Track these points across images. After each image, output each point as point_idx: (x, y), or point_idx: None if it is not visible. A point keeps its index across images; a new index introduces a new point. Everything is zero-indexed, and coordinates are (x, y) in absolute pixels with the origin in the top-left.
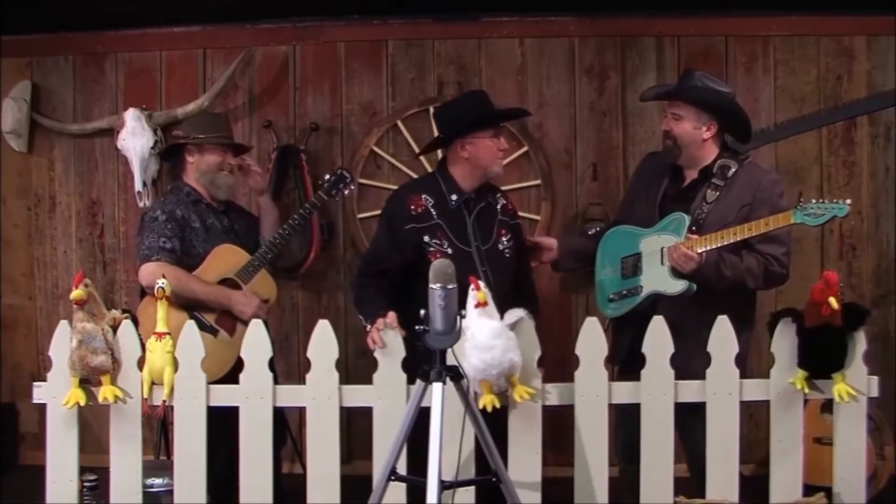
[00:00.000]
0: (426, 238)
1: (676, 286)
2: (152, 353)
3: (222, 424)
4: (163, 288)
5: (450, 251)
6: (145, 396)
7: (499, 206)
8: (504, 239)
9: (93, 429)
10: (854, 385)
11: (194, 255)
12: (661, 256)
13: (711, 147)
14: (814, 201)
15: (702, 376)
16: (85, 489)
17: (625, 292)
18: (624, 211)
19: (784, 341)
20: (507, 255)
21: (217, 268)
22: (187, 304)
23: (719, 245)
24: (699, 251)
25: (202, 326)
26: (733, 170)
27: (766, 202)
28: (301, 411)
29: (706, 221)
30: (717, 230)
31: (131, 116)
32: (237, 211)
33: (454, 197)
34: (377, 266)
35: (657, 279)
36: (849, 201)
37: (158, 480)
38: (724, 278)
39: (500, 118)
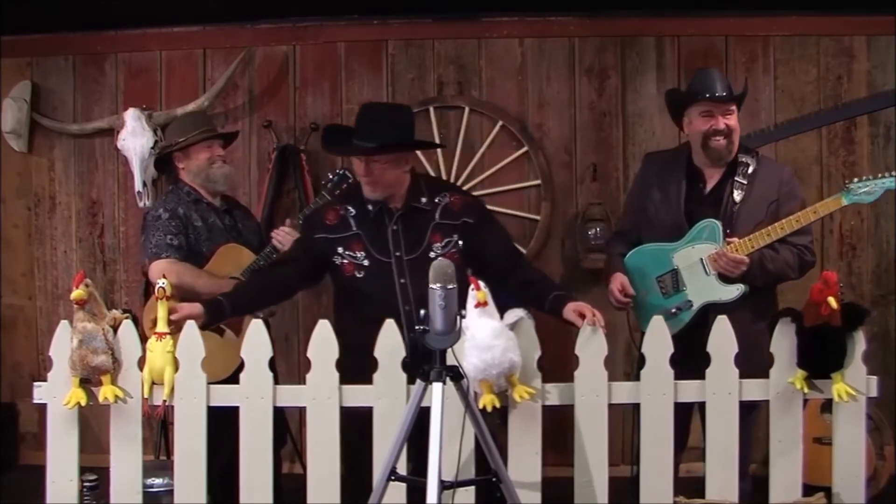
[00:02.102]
0: (340, 249)
1: (732, 292)
2: (152, 352)
3: (222, 424)
4: (163, 288)
5: (366, 263)
6: (145, 396)
7: (439, 208)
8: (437, 246)
9: (93, 429)
10: (853, 385)
11: (197, 254)
12: (703, 267)
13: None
14: (856, 180)
15: (758, 374)
16: (85, 489)
17: (674, 310)
18: (632, 218)
19: (784, 341)
20: None
21: (222, 266)
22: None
23: (767, 243)
24: (747, 253)
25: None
26: (753, 167)
27: (792, 195)
28: (301, 411)
29: (736, 222)
30: (748, 229)
31: (131, 116)
32: (241, 210)
33: (370, 206)
34: (281, 257)
35: (707, 290)
36: (895, 173)
37: (158, 480)
38: (769, 274)
39: (338, 141)
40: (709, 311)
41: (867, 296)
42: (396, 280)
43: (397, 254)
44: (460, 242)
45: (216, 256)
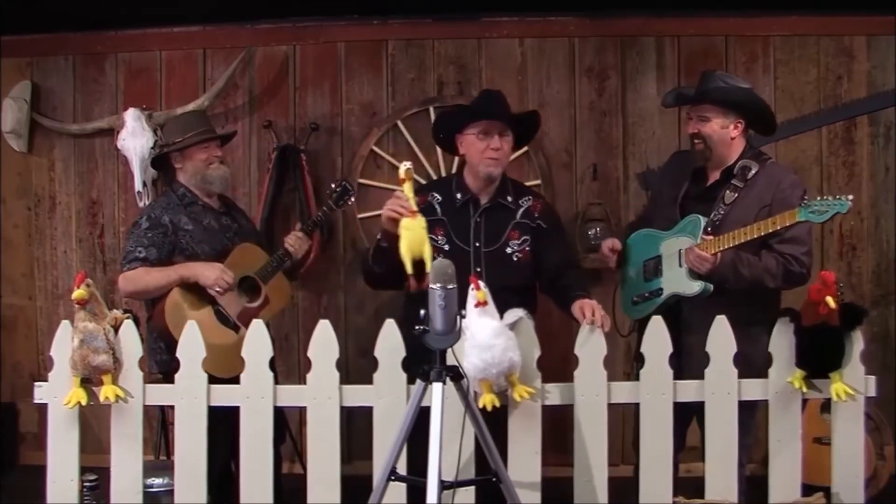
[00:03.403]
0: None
1: (693, 287)
2: (410, 230)
3: (220, 423)
4: (409, 169)
5: (447, 248)
6: (410, 272)
7: (521, 209)
8: (514, 242)
9: (93, 429)
10: (852, 384)
11: (190, 256)
12: (678, 258)
13: (738, 145)
14: (818, 198)
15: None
16: (85, 489)
17: (647, 294)
18: (648, 210)
19: (782, 341)
20: (516, 259)
21: (239, 264)
22: (210, 299)
23: (731, 245)
24: (713, 252)
25: (225, 322)
26: (754, 171)
27: (785, 203)
28: (301, 411)
29: (724, 223)
30: (735, 229)
31: (131, 116)
32: (238, 211)
33: (459, 195)
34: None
35: (676, 281)
36: (850, 197)
37: (158, 480)
38: (742, 277)
39: (479, 113)
40: (682, 304)
41: (867, 296)
42: (473, 269)
43: (476, 244)
44: (532, 243)
45: (233, 255)
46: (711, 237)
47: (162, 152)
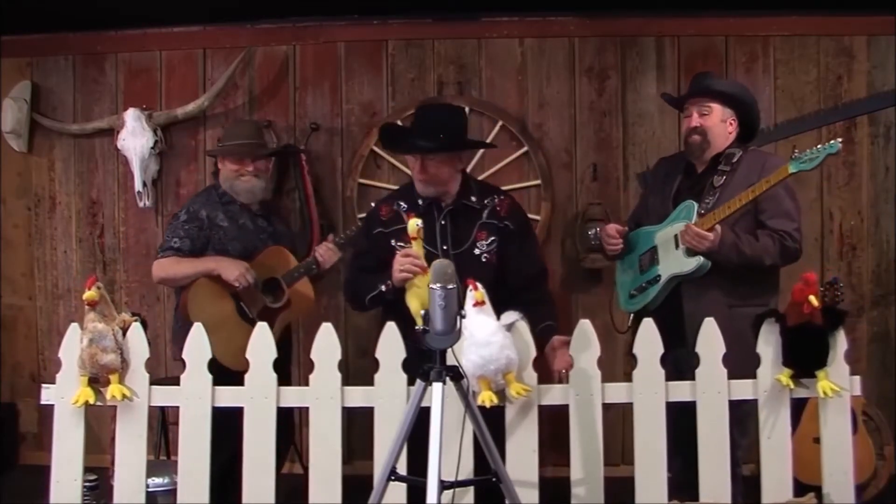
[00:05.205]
0: (393, 241)
1: (690, 264)
2: (420, 287)
3: (222, 423)
4: (420, 227)
5: None
6: (420, 327)
7: (487, 209)
8: (483, 243)
9: (93, 429)
10: (837, 382)
11: (221, 252)
12: (675, 242)
13: (730, 141)
14: (807, 150)
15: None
16: (85, 489)
17: (644, 285)
18: (639, 214)
19: (769, 341)
20: (484, 260)
21: (267, 265)
22: (233, 294)
23: (727, 215)
24: (709, 228)
25: (245, 318)
26: (738, 155)
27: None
28: (302, 411)
29: (717, 206)
30: None
31: (131, 116)
32: (276, 216)
33: (421, 201)
34: (360, 263)
35: (673, 263)
36: (840, 139)
37: (156, 480)
38: (745, 256)
39: (396, 140)
40: (682, 297)
41: (867, 296)
42: None
43: (444, 247)
44: (499, 245)
45: (262, 255)
46: (706, 216)
47: (208, 153)
